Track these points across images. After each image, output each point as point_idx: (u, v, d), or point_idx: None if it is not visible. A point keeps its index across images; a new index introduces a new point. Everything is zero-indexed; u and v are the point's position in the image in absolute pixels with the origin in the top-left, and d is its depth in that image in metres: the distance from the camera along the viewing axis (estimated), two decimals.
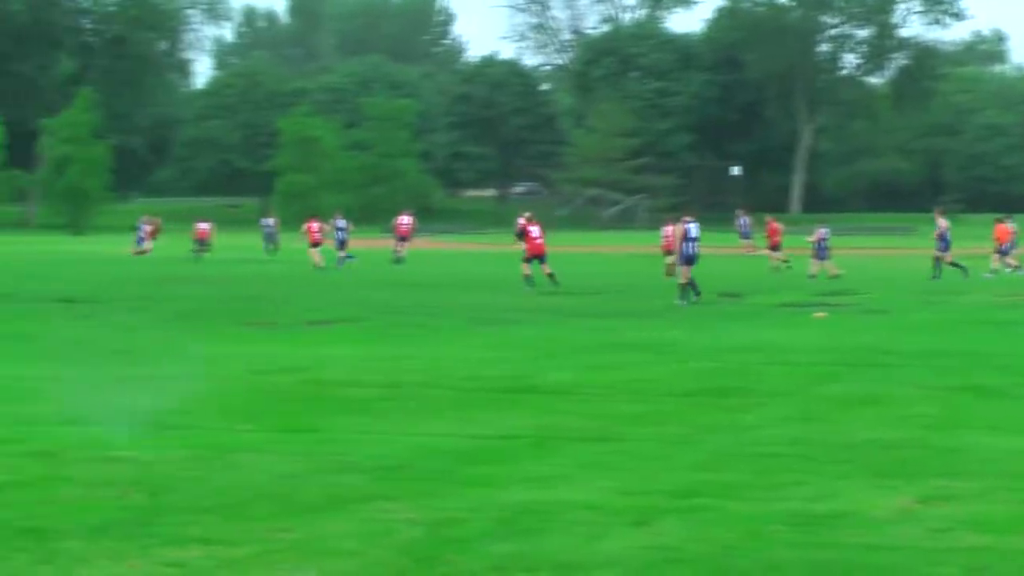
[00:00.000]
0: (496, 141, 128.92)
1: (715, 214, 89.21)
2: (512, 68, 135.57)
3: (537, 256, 37.50)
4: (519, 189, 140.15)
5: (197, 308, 27.48)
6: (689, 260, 31.53)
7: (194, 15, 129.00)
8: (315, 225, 51.05)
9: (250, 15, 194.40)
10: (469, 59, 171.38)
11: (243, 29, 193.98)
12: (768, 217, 54.33)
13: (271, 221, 68.86)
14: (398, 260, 53.43)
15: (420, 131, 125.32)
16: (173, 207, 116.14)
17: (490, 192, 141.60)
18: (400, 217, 57.48)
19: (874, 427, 13.25)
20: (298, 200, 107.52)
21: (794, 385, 16.52)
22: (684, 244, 31.76)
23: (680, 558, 8.38)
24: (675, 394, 15.72)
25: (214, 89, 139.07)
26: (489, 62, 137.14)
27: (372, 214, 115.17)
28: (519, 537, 8.84)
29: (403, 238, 56.11)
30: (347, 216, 57.43)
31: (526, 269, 37.20)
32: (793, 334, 23.34)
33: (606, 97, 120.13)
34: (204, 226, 60.56)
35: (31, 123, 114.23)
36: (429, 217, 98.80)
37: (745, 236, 66.79)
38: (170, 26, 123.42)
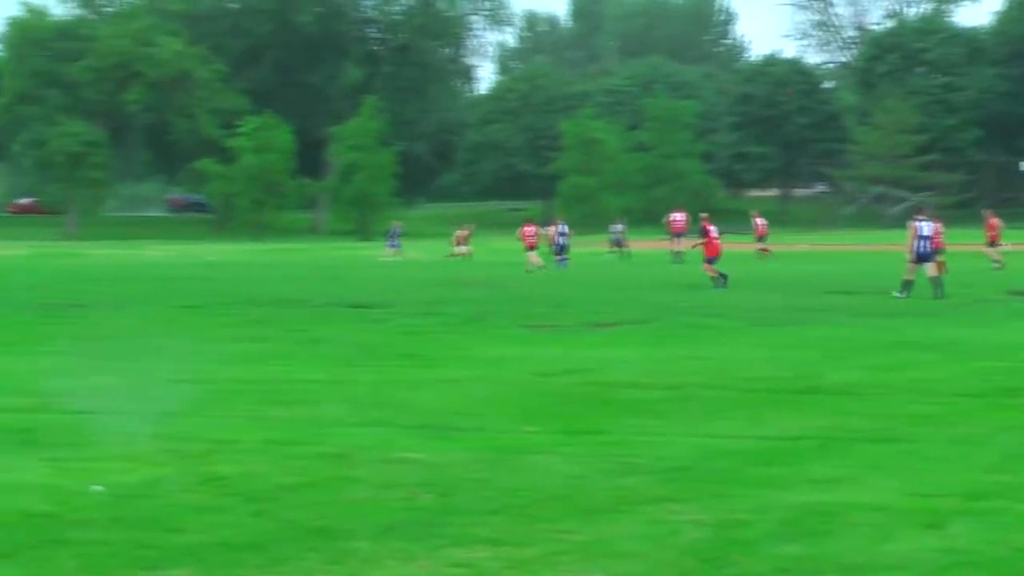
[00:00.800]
0: (778, 140, 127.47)
1: (1005, 210, 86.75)
2: (794, 66, 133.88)
3: (717, 257, 37.88)
4: (806, 190, 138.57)
5: (481, 311, 27.74)
6: (921, 258, 32.22)
7: (477, 21, 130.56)
8: (529, 230, 51.34)
9: (531, 20, 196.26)
10: (750, 58, 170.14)
11: (524, 34, 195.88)
12: (987, 212, 52.80)
13: (619, 227, 66.70)
14: (677, 259, 53.35)
15: (701, 132, 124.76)
16: (457, 212, 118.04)
17: (773, 192, 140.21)
18: (673, 215, 57.65)
19: None
20: (581, 203, 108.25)
21: None
22: (916, 242, 32.24)
23: (973, 561, 8.17)
24: (963, 394, 15.33)
25: (497, 94, 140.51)
26: (771, 61, 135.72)
27: (654, 216, 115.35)
28: (805, 539, 8.73)
29: (678, 235, 56.34)
30: (623, 217, 57.65)
31: (710, 271, 37.57)
32: None
33: (891, 94, 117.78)
34: (466, 229, 61.18)
35: (319, 132, 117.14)
36: (711, 218, 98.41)
37: None
38: (454, 33, 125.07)
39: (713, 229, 38.28)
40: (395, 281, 37.13)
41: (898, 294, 31.40)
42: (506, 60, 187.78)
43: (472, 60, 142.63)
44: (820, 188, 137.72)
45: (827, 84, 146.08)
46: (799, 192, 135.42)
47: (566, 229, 53.82)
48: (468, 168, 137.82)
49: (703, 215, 41.63)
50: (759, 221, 55.94)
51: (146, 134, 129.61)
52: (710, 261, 37.72)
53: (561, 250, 52.42)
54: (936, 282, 32.15)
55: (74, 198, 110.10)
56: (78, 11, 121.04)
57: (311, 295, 33.29)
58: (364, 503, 9.88)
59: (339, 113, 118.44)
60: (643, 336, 22.67)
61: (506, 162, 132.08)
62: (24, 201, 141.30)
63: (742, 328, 23.90)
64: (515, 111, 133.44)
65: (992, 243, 48.23)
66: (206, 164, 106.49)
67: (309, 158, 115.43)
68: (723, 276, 36.59)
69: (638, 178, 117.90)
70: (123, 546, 8.64)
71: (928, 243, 32.59)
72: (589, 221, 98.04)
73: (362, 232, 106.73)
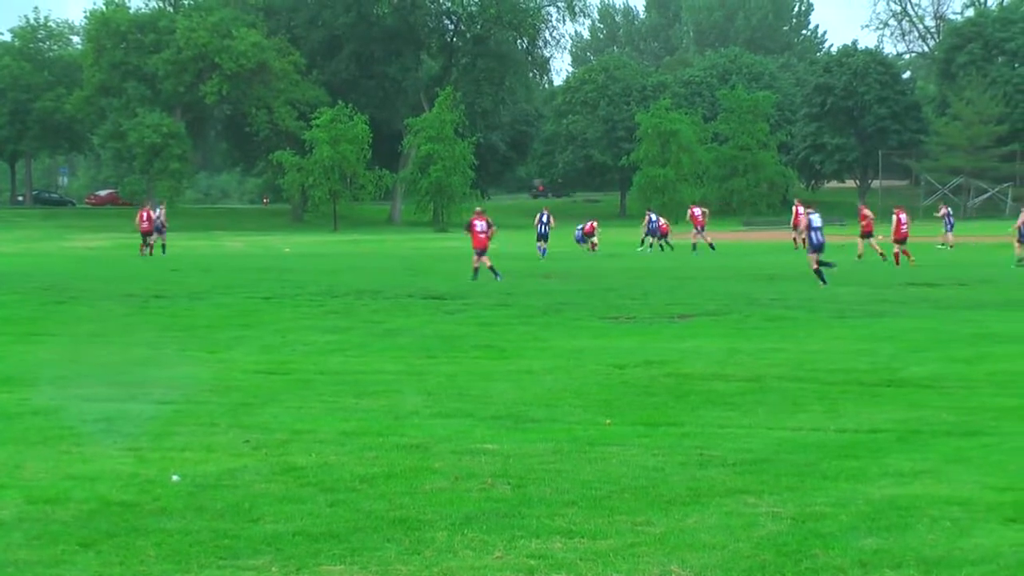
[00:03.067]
0: (856, 131, 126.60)
1: None
2: (873, 56, 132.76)
3: (481, 250, 37.90)
4: (883, 182, 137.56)
5: (559, 303, 27.72)
6: (816, 249, 33.60)
7: (553, 12, 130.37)
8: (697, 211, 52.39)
9: (608, 11, 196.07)
10: (828, 49, 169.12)
11: (601, 25, 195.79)
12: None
13: (655, 216, 66.30)
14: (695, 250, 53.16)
15: (778, 122, 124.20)
16: (536, 204, 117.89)
17: (850, 184, 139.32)
18: (693, 208, 57.91)
19: None
20: (657, 194, 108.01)
21: None
22: (810, 234, 34.00)
23: None
24: None
25: (573, 85, 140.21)
26: (849, 51, 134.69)
27: (730, 207, 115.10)
28: (885, 532, 8.68)
29: (700, 228, 57.04)
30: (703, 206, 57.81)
31: (476, 262, 37.75)
32: None
33: (971, 84, 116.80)
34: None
35: (396, 123, 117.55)
36: (787, 210, 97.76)
37: None
38: (530, 24, 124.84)
39: (480, 224, 38.30)
40: (472, 273, 37.13)
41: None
42: (582, 51, 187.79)
43: (548, 51, 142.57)
44: (898, 180, 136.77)
45: (906, 74, 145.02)
46: (876, 184, 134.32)
47: (548, 218, 56.70)
48: (544, 160, 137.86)
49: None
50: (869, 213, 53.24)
51: (224, 126, 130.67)
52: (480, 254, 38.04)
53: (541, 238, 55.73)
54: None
55: (153, 189, 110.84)
56: (156, 3, 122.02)
57: (388, 286, 33.40)
58: (441, 494, 9.90)
59: (415, 104, 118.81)
60: (722, 327, 22.58)
61: (582, 153, 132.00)
62: (103, 193, 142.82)
63: (822, 320, 23.75)
64: (591, 102, 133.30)
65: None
66: (283, 155, 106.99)
67: (385, 149, 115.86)
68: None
69: (714, 169, 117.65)
70: (202, 535, 8.71)
71: (820, 234, 33.83)
72: (664, 212, 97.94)
73: (438, 223, 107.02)
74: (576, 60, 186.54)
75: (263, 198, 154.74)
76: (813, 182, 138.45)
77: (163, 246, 57.54)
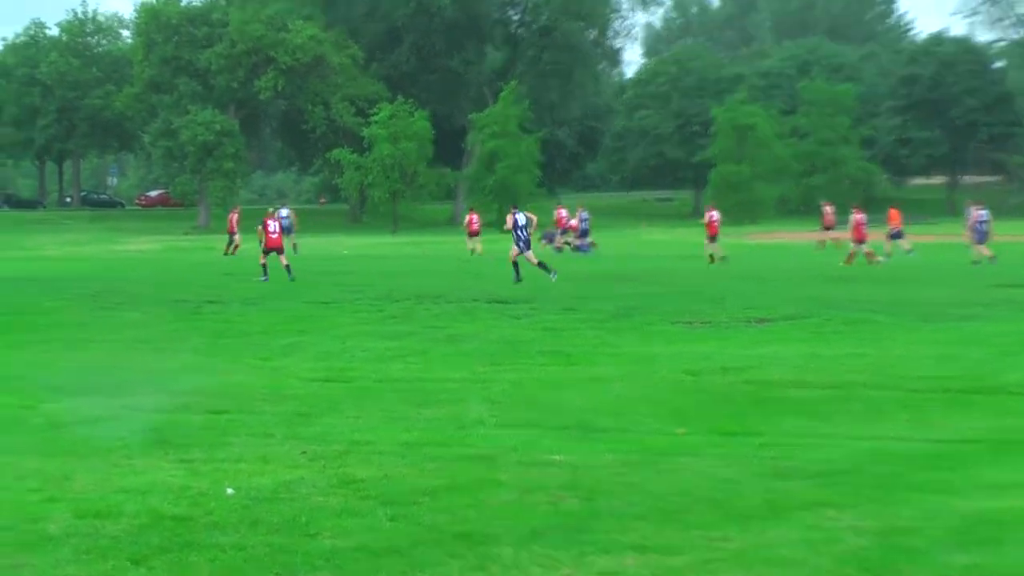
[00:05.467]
0: (945, 124, 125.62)
1: None
2: (963, 45, 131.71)
3: (274, 249, 39.58)
4: (974, 177, 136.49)
5: (630, 306, 27.67)
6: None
7: (623, 2, 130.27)
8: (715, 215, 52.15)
9: (681, 0, 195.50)
10: (915, 37, 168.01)
11: (674, 15, 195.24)
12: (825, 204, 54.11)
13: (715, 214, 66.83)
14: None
15: (862, 116, 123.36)
16: (607, 203, 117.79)
17: (939, 179, 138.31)
18: (709, 212, 57.56)
19: None
20: (733, 192, 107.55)
21: None
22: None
23: None
24: None
25: (645, 78, 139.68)
26: (937, 40, 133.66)
27: (811, 206, 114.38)
28: (976, 547, 8.63)
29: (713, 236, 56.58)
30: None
31: (263, 259, 39.35)
32: None
33: None
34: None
35: (459, 119, 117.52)
36: (873, 207, 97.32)
37: None
38: (599, 14, 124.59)
39: (272, 224, 40.03)
40: (538, 276, 37.13)
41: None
42: (654, 43, 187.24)
43: (619, 43, 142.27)
44: (989, 175, 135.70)
45: (998, 63, 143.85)
46: (967, 180, 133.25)
47: (586, 215, 60.01)
48: (614, 156, 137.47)
49: (270, 209, 45.17)
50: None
51: (279, 123, 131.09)
52: (266, 253, 39.51)
53: (583, 234, 58.41)
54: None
55: (206, 189, 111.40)
56: None
57: (450, 290, 33.46)
58: (507, 507, 9.91)
59: (479, 99, 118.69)
60: (801, 332, 22.50)
61: (655, 149, 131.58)
62: (154, 193, 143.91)
63: (906, 324, 23.62)
64: (664, 96, 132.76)
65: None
66: (340, 153, 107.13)
67: (448, 146, 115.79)
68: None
69: (794, 166, 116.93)
70: (259, 550, 8.76)
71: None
72: (740, 211, 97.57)
73: (504, 223, 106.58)
74: (648, 51, 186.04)
75: (320, 198, 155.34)
76: (898, 179, 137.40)
77: (294, 246, 57.49)
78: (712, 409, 14.36)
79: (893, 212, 52.26)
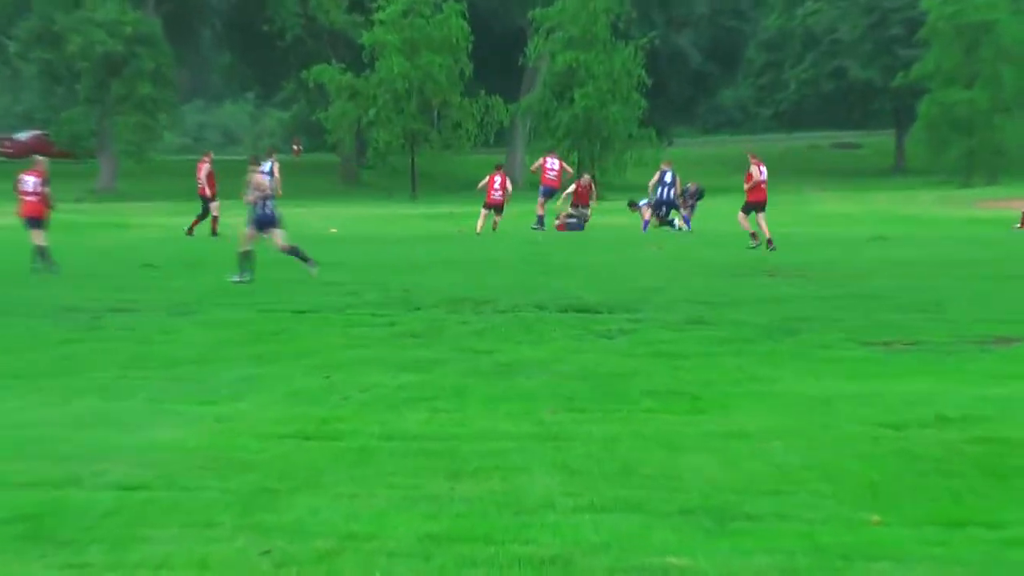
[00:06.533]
0: None
1: None
2: None
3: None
4: None
5: (792, 318, 27.67)
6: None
7: None
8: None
9: None
10: None
11: None
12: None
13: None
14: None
15: None
16: (755, 148, 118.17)
17: None
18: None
19: None
20: (957, 132, 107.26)
21: None
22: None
23: None
24: None
25: None
26: None
27: None
28: None
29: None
30: None
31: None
32: None
33: None
34: None
35: (513, 18, 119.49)
36: None
37: None
38: None
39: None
40: (647, 268, 37.20)
41: None
42: None
43: None
44: None
45: None
46: None
47: (671, 174, 61.03)
48: (764, 77, 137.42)
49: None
50: None
51: (226, 22, 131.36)
52: None
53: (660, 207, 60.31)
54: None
55: (109, 130, 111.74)
56: None
57: (501, 291, 33.54)
58: None
59: None
60: None
61: (829, 66, 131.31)
62: (24, 135, 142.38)
63: None
64: None
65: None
66: (325, 71, 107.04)
67: (496, 62, 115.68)
68: None
69: None
70: None
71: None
72: (972, 164, 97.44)
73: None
74: None
75: (293, 144, 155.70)
76: None
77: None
78: (925, 484, 14.32)
79: None
